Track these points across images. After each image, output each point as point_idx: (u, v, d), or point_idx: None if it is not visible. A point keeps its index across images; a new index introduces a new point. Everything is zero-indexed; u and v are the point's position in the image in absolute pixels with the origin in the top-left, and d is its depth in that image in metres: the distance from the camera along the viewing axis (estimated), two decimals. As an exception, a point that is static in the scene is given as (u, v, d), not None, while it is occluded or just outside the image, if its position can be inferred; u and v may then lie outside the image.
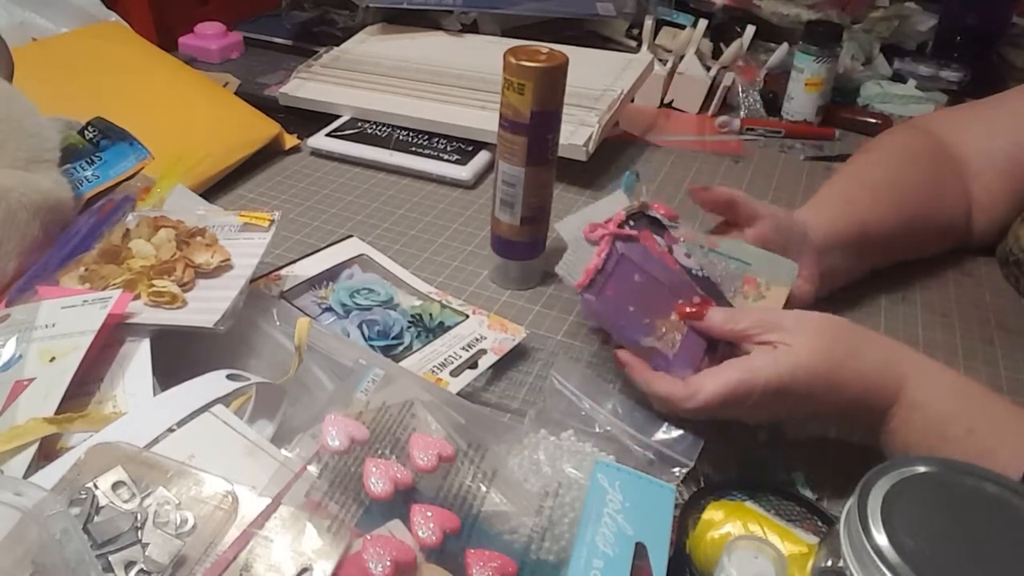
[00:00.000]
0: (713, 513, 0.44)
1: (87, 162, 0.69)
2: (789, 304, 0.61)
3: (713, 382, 0.50)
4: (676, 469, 0.50)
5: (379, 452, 0.44)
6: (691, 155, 0.98)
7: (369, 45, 1.10)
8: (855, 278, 0.72)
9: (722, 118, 1.05)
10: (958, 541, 0.32)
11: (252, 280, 0.58)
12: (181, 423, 0.44)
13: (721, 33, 1.19)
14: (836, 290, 0.70)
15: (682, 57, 1.11)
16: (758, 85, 1.10)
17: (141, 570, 0.37)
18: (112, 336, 0.51)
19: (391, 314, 0.64)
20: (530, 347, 0.64)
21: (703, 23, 1.13)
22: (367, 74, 1.02)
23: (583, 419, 0.53)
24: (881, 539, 0.31)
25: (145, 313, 0.53)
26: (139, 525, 0.38)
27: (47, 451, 0.44)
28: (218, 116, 0.91)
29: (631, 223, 0.58)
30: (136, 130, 0.72)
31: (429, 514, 0.41)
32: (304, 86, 1.00)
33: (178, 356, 0.51)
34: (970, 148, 0.77)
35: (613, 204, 0.59)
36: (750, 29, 1.16)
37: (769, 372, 0.50)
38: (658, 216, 0.60)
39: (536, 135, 0.64)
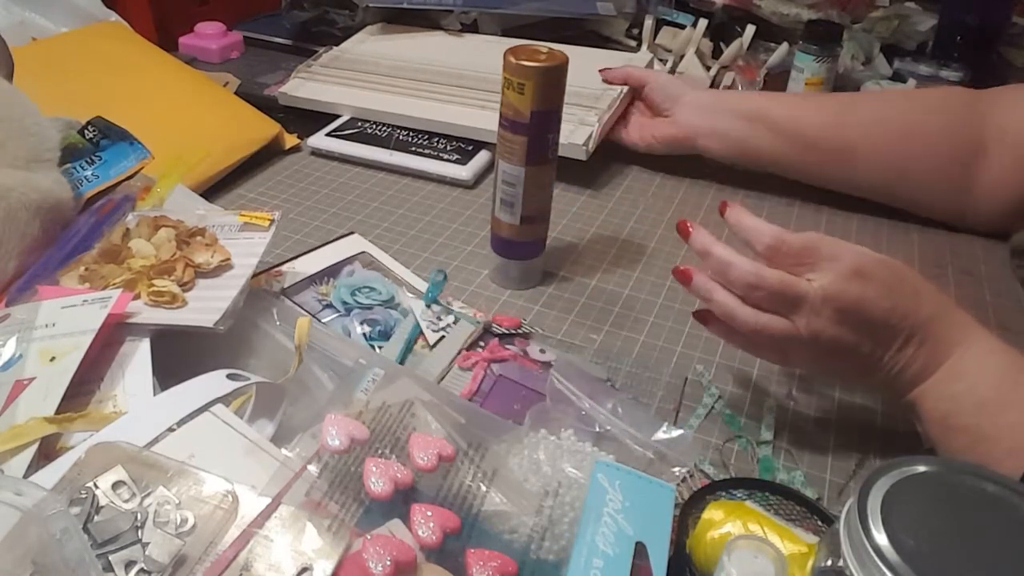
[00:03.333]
0: (713, 512, 0.44)
1: (87, 162, 0.69)
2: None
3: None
4: (676, 469, 0.50)
5: (379, 452, 0.44)
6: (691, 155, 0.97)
7: (369, 45, 1.10)
8: (757, 155, 0.83)
9: (722, 118, 1.05)
10: (958, 540, 0.32)
11: (252, 276, 0.58)
12: (181, 423, 0.44)
13: (721, 33, 1.19)
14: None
15: (682, 57, 1.11)
16: (758, 85, 1.10)
17: (141, 569, 0.37)
18: (112, 336, 0.51)
19: (392, 313, 0.64)
20: (530, 347, 0.64)
21: (703, 23, 1.13)
22: (367, 74, 1.02)
23: (583, 419, 0.53)
24: (881, 538, 0.31)
25: (145, 313, 0.53)
26: (139, 524, 0.38)
27: (47, 451, 0.44)
28: (218, 116, 0.91)
29: (480, 344, 0.62)
30: (136, 130, 0.72)
31: (429, 513, 0.41)
32: (304, 86, 0.99)
33: (178, 356, 0.51)
34: (1001, 130, 0.76)
35: (455, 337, 0.62)
36: (750, 29, 1.16)
37: (848, 257, 0.51)
38: (503, 330, 0.63)
39: (536, 135, 0.64)
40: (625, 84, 0.91)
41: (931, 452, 0.52)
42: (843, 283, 0.50)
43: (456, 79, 0.99)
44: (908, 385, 0.52)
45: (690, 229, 0.56)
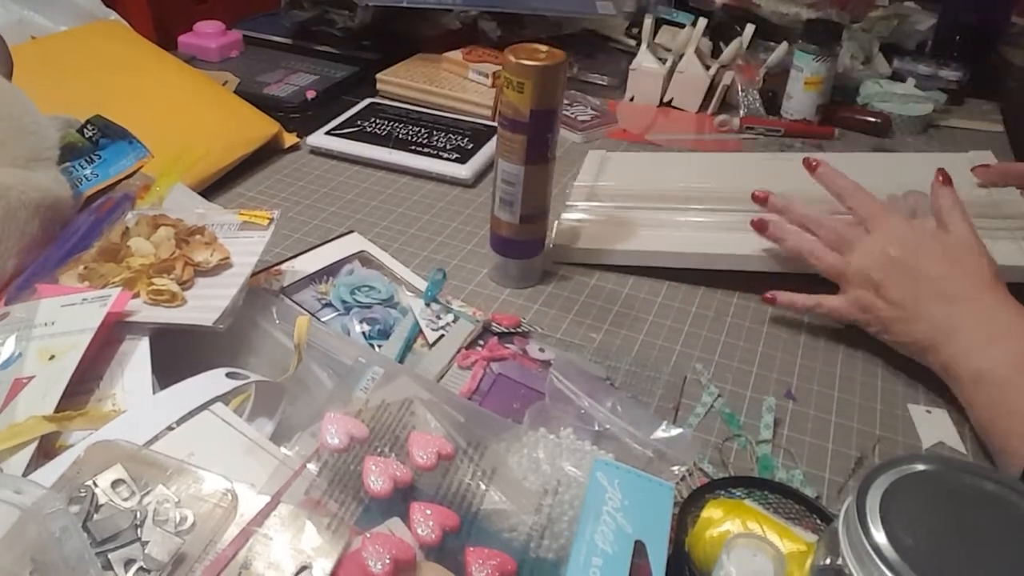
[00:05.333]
0: (712, 511, 0.44)
1: (86, 160, 0.69)
2: None
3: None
4: (675, 467, 0.50)
5: (378, 450, 0.44)
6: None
7: (614, 179, 0.86)
8: None
9: (722, 117, 1.05)
10: (956, 539, 0.32)
11: (252, 275, 0.58)
12: (180, 421, 0.44)
13: (720, 32, 1.19)
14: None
15: (681, 56, 1.11)
16: (758, 84, 1.10)
17: (140, 568, 0.37)
18: (111, 334, 0.51)
19: (391, 312, 0.64)
20: (529, 345, 0.64)
21: (703, 22, 1.13)
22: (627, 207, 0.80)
23: (582, 417, 0.53)
24: (880, 537, 0.31)
25: (144, 311, 0.53)
26: (138, 523, 0.38)
27: (46, 449, 0.44)
28: (217, 114, 0.91)
29: (480, 343, 0.62)
30: (135, 128, 0.72)
31: (428, 512, 0.41)
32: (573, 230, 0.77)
33: (177, 354, 0.51)
34: None
35: (455, 336, 0.63)
36: (749, 28, 1.16)
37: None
38: (502, 329, 0.64)
39: (535, 134, 0.64)
40: (1006, 184, 0.80)
41: (930, 451, 0.52)
42: (891, 238, 0.63)
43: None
44: (940, 339, 0.59)
45: (768, 195, 0.71)
